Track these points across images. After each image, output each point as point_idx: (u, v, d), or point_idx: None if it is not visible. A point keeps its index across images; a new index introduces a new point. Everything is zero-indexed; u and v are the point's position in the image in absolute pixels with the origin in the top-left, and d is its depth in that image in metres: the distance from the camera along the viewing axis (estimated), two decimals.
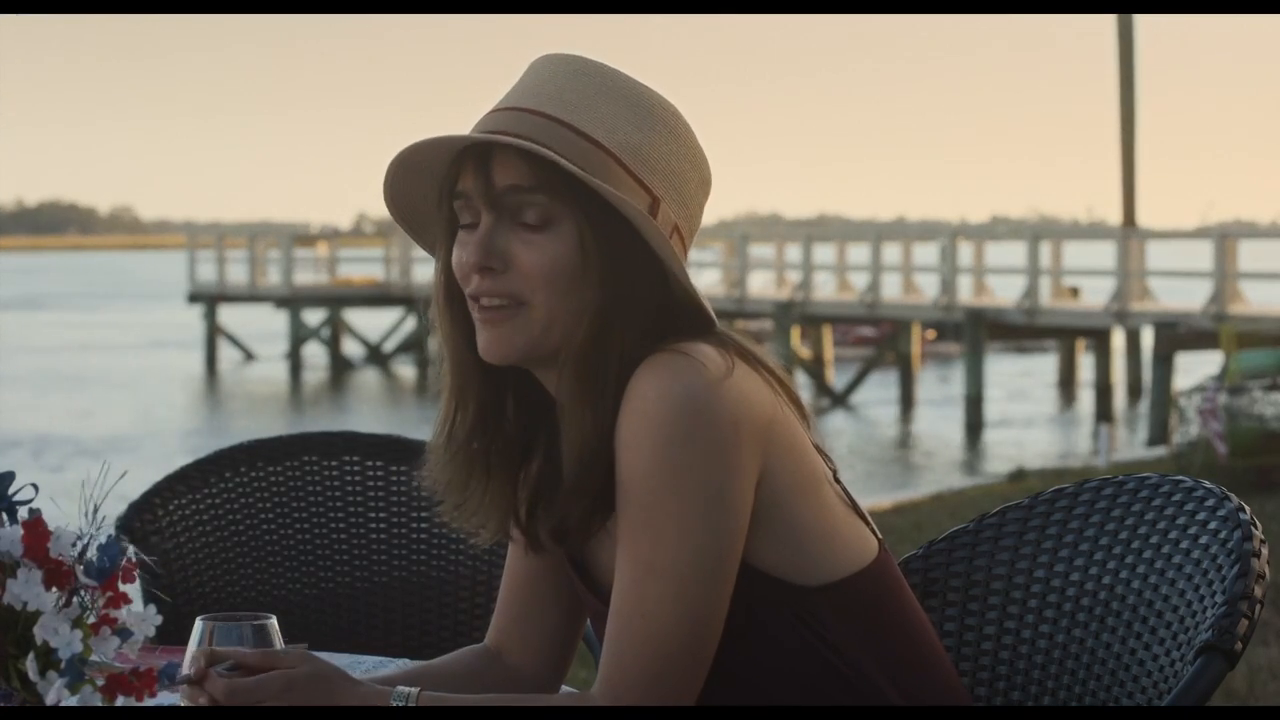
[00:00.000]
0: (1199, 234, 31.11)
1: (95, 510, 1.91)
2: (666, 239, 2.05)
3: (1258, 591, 2.14)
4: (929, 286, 31.57)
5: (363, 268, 44.69)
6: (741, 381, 2.04)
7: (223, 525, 3.17)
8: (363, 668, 2.38)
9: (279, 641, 2.03)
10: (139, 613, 1.88)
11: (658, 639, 2.01)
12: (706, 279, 38.24)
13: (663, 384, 2.00)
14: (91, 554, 1.88)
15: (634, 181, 2.06)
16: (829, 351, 34.40)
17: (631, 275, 2.05)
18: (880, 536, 2.19)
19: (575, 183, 2.03)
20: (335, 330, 42.04)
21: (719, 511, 2.02)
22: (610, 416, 2.04)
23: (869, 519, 2.19)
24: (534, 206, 2.05)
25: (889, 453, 25.86)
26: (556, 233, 2.05)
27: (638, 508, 2.01)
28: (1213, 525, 2.25)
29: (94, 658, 1.85)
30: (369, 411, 32.22)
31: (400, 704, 2.00)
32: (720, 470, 2.01)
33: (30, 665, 1.83)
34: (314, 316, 42.15)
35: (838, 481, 2.17)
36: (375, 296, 41.92)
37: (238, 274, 43.36)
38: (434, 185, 2.13)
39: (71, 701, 1.83)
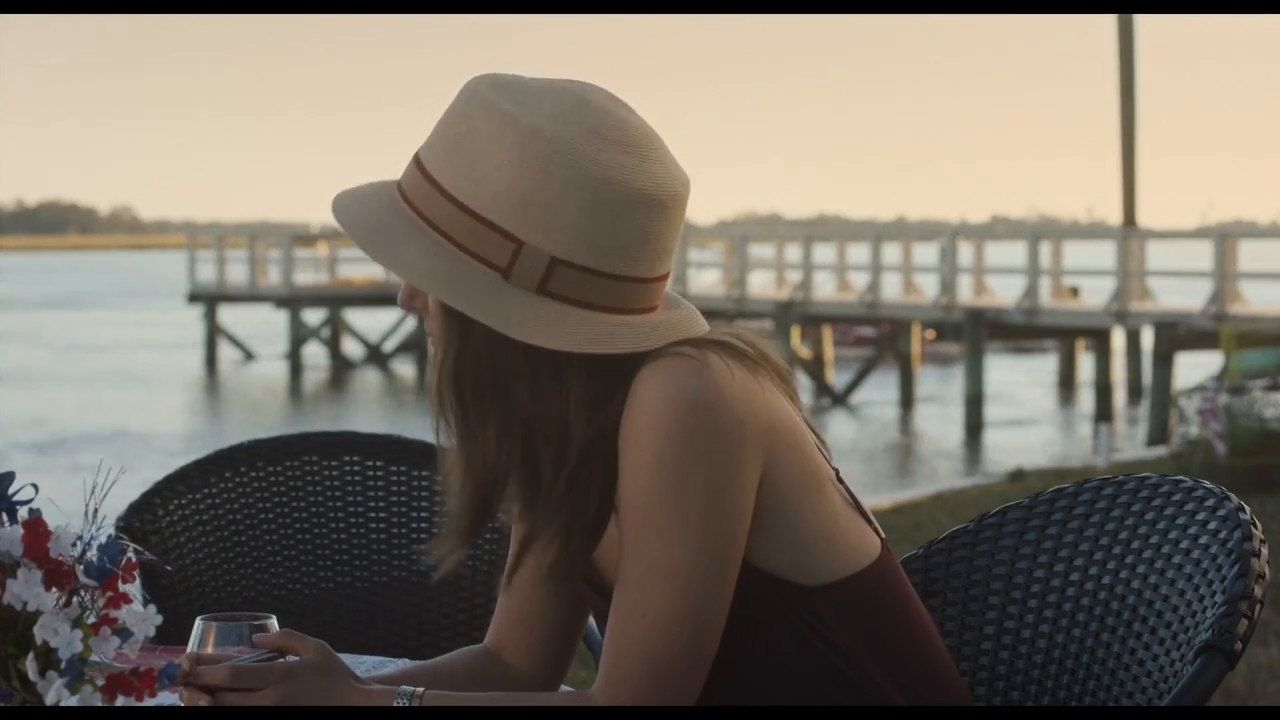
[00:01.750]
0: (1199, 234, 31.11)
1: (95, 510, 1.91)
2: (487, 306, 2.03)
3: (1258, 591, 2.14)
4: (929, 286, 31.57)
5: (363, 268, 44.65)
6: (745, 381, 2.04)
7: (223, 525, 3.17)
8: (363, 668, 2.38)
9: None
10: (139, 613, 1.88)
11: (659, 639, 2.01)
12: (706, 279, 38.31)
13: (666, 385, 2.01)
14: (91, 554, 1.89)
15: (490, 230, 2.04)
16: (829, 351, 34.41)
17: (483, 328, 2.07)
18: (883, 535, 2.20)
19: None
20: (335, 330, 42.05)
21: (722, 512, 2.02)
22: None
23: (872, 518, 2.19)
24: None
25: (889, 453, 25.85)
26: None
27: (641, 507, 2.02)
28: (1213, 525, 2.25)
29: (94, 658, 1.85)
30: (369, 411, 32.22)
31: (404, 703, 2.01)
32: (724, 470, 2.02)
33: (30, 665, 1.83)
34: (314, 316, 42.15)
35: (841, 482, 2.17)
36: (375, 296, 41.90)
37: (238, 274, 43.36)
38: None
39: (71, 701, 1.83)
